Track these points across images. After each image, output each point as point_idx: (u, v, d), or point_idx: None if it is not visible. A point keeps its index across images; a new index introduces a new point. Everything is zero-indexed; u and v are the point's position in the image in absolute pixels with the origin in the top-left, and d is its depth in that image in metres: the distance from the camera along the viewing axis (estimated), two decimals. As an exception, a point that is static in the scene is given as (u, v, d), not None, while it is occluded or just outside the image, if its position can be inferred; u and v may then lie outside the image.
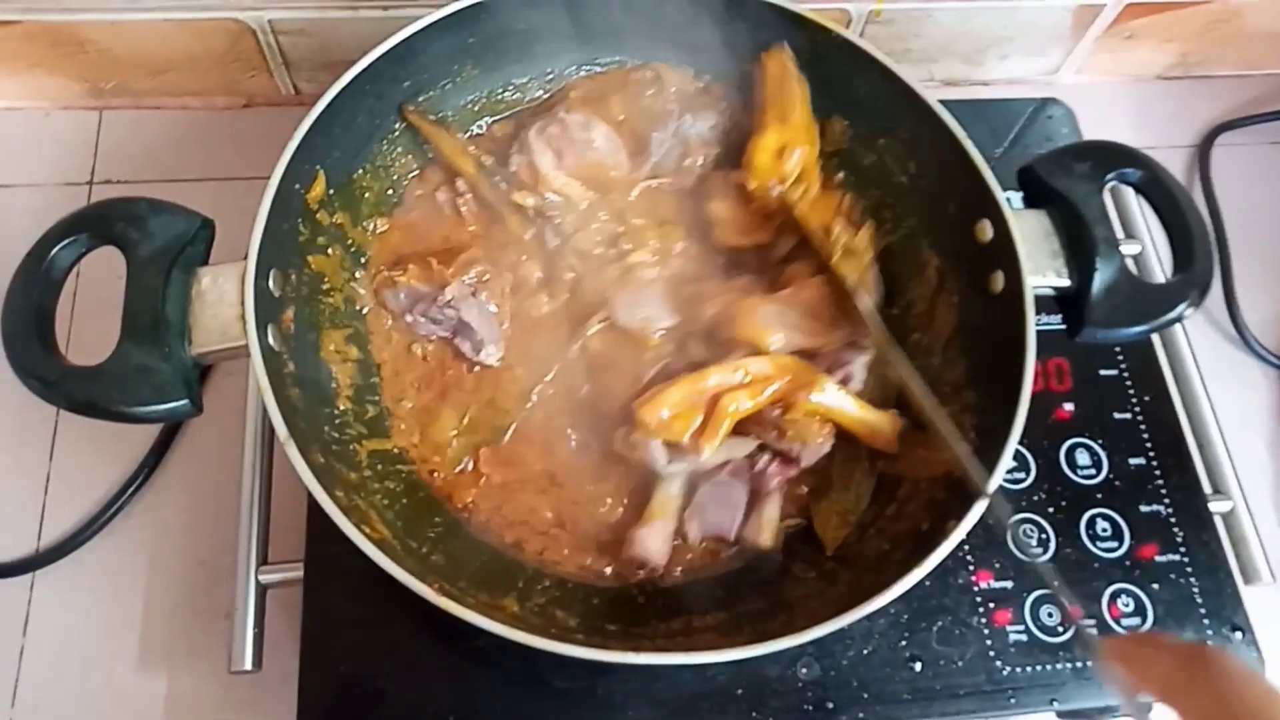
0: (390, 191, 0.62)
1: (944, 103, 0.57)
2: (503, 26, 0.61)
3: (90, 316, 0.65)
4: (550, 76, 0.66)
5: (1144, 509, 0.61)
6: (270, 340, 0.49)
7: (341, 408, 0.55)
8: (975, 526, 0.47)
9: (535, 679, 0.54)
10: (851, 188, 0.64)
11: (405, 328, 0.60)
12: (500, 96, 0.66)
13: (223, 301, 0.49)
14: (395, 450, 0.57)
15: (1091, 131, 0.76)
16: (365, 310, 0.60)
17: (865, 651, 0.56)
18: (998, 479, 0.48)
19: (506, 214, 0.62)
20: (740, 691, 0.54)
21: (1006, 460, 0.48)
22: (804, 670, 0.55)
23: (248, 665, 0.53)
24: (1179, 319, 0.52)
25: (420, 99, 0.62)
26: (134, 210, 0.50)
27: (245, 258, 0.49)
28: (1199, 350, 0.66)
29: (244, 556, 0.55)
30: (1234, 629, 0.58)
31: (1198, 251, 0.53)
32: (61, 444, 0.64)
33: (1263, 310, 0.76)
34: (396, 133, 0.62)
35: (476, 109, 0.65)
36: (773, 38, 0.61)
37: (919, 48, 0.79)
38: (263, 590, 0.55)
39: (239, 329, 0.48)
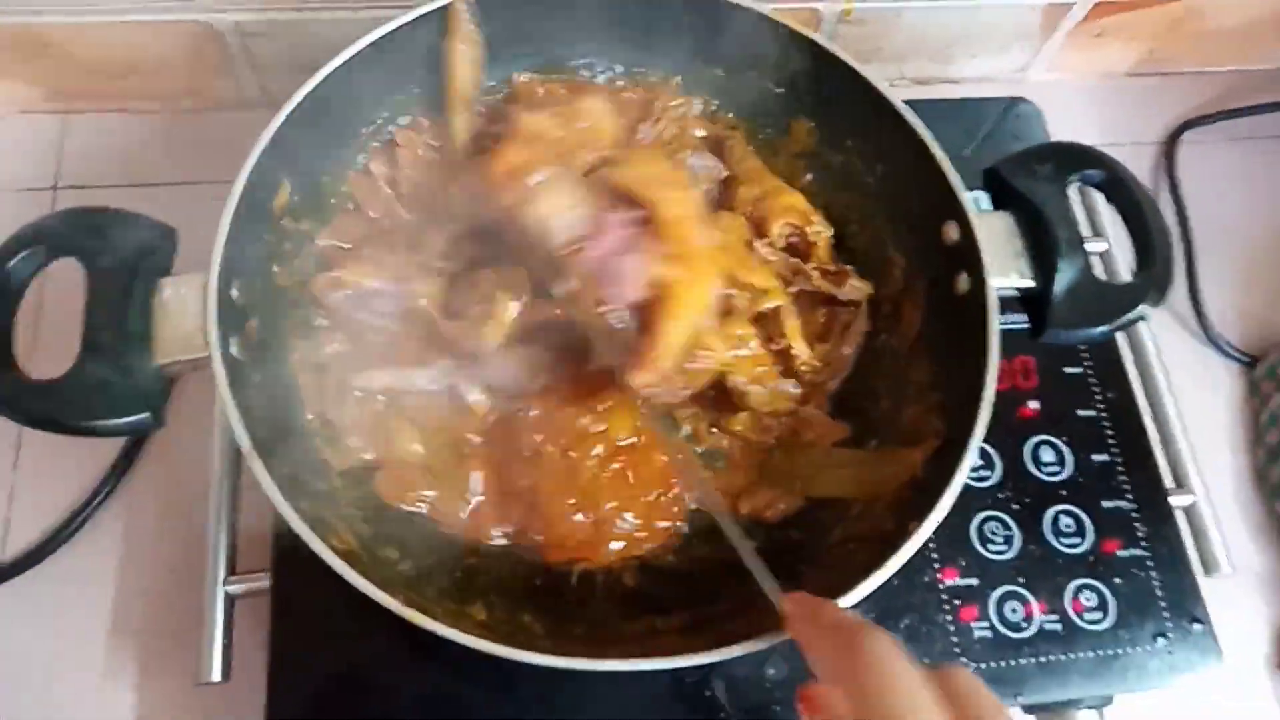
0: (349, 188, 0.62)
1: (914, 102, 0.58)
2: (481, 29, 0.61)
3: (54, 326, 0.64)
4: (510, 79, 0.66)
5: (1107, 505, 0.62)
6: (234, 351, 0.49)
7: (309, 417, 0.55)
8: (941, 525, 0.48)
9: (505, 686, 0.54)
10: (819, 188, 0.64)
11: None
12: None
13: (185, 312, 0.48)
14: (364, 460, 0.57)
15: (1060, 128, 0.76)
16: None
17: (833, 651, 0.56)
18: (962, 477, 0.48)
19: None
20: (709, 693, 0.55)
21: (971, 458, 0.49)
22: (772, 670, 0.55)
23: (216, 676, 0.53)
24: (1139, 319, 0.53)
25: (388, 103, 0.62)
26: (94, 221, 0.49)
27: (208, 267, 0.49)
28: (1164, 346, 0.67)
29: (212, 567, 0.55)
30: (1193, 620, 0.59)
31: (1158, 252, 0.54)
32: (26, 455, 0.63)
33: (1227, 305, 0.77)
34: (363, 136, 0.61)
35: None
36: (739, 39, 0.62)
37: (889, 47, 0.79)
38: (231, 601, 0.54)
39: (202, 340, 0.48)
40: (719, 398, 0.59)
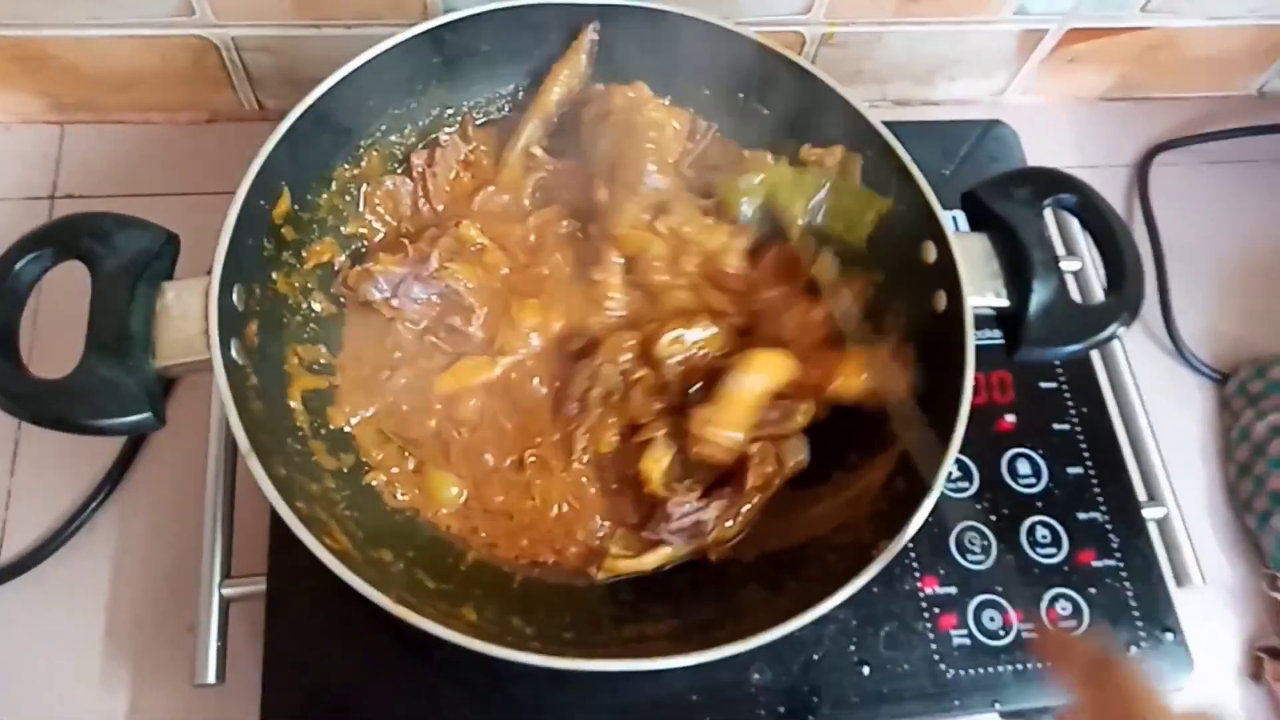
0: (348, 198, 0.63)
1: (895, 123, 0.60)
2: (467, 48, 0.63)
3: (51, 330, 0.65)
4: (509, 96, 0.68)
5: (1081, 516, 0.64)
6: (234, 354, 0.50)
7: (302, 420, 0.56)
8: (921, 534, 0.49)
9: (496, 688, 0.55)
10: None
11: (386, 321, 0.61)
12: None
13: (187, 316, 0.49)
14: (357, 460, 0.58)
15: (1036, 150, 0.79)
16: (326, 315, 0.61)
17: (816, 657, 0.58)
18: (938, 489, 0.50)
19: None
20: (695, 697, 0.56)
21: (947, 469, 0.50)
22: (756, 676, 0.56)
23: (211, 679, 0.53)
24: (1111, 338, 0.55)
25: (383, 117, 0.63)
26: (99, 225, 0.50)
27: (209, 273, 0.50)
28: (1137, 363, 0.69)
29: (207, 570, 0.55)
30: (1165, 630, 0.61)
31: (1129, 274, 0.56)
32: (23, 458, 0.64)
33: (1198, 323, 0.79)
34: (361, 149, 0.63)
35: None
36: (722, 62, 0.64)
37: (870, 69, 0.82)
38: (226, 603, 0.55)
39: (203, 343, 0.49)
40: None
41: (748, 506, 0.57)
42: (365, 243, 0.63)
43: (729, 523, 0.56)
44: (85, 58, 0.70)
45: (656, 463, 0.57)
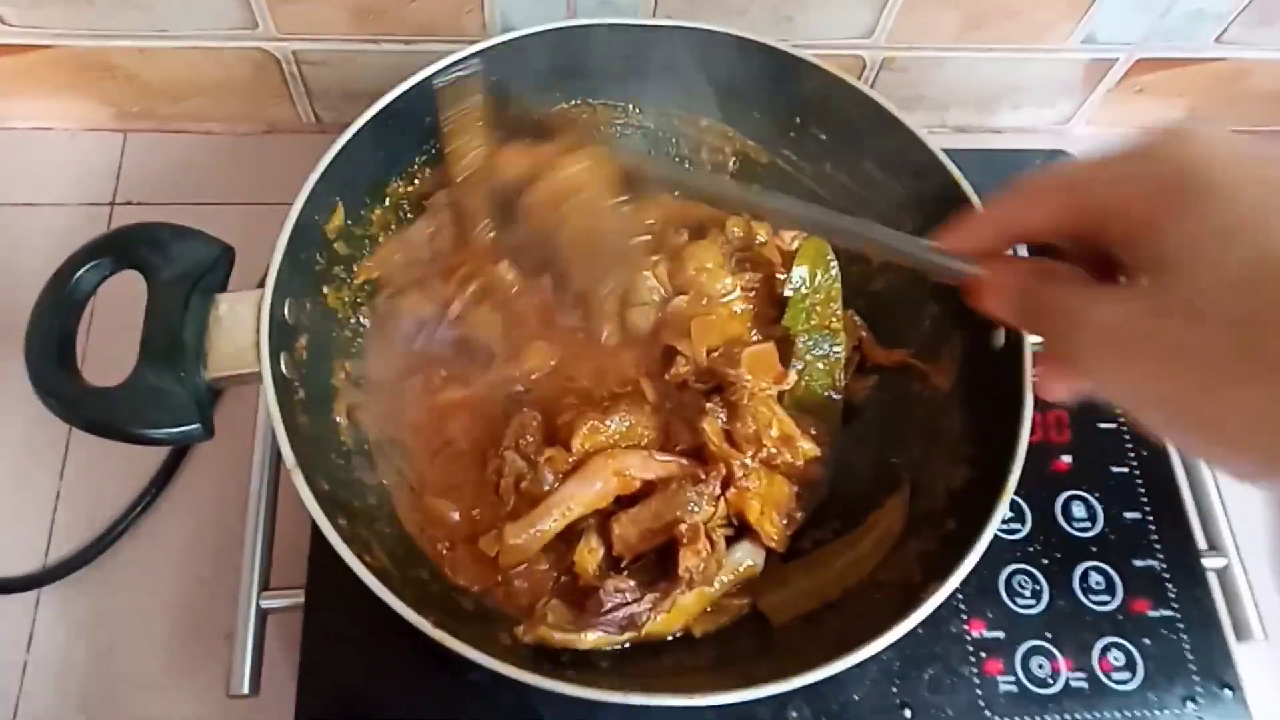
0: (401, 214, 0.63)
1: (955, 151, 0.58)
2: (528, 66, 0.63)
3: (106, 338, 0.66)
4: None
5: (1138, 563, 0.61)
6: (283, 368, 0.50)
7: (348, 436, 0.56)
8: (970, 576, 0.48)
9: (529, 713, 0.54)
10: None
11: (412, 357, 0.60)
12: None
13: (239, 328, 0.49)
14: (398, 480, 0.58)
15: (1099, 183, 0.77)
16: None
17: (856, 697, 0.56)
18: (992, 530, 0.48)
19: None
20: (732, 732, 0.54)
21: (1002, 510, 0.49)
22: (794, 714, 0.55)
23: (245, 689, 0.53)
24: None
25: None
26: (157, 235, 0.51)
27: (262, 285, 0.50)
28: (1198, 405, 0.67)
29: (246, 581, 0.56)
30: (1224, 686, 0.58)
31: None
32: (72, 464, 0.65)
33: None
34: (416, 166, 0.63)
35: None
36: (783, 86, 0.63)
37: (930, 95, 0.81)
38: (263, 615, 0.55)
39: (253, 356, 0.49)
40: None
41: (689, 598, 0.54)
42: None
43: (659, 616, 0.53)
44: (149, 68, 0.72)
45: (592, 554, 0.55)
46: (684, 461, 0.57)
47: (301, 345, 0.54)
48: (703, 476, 0.56)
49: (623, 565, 0.55)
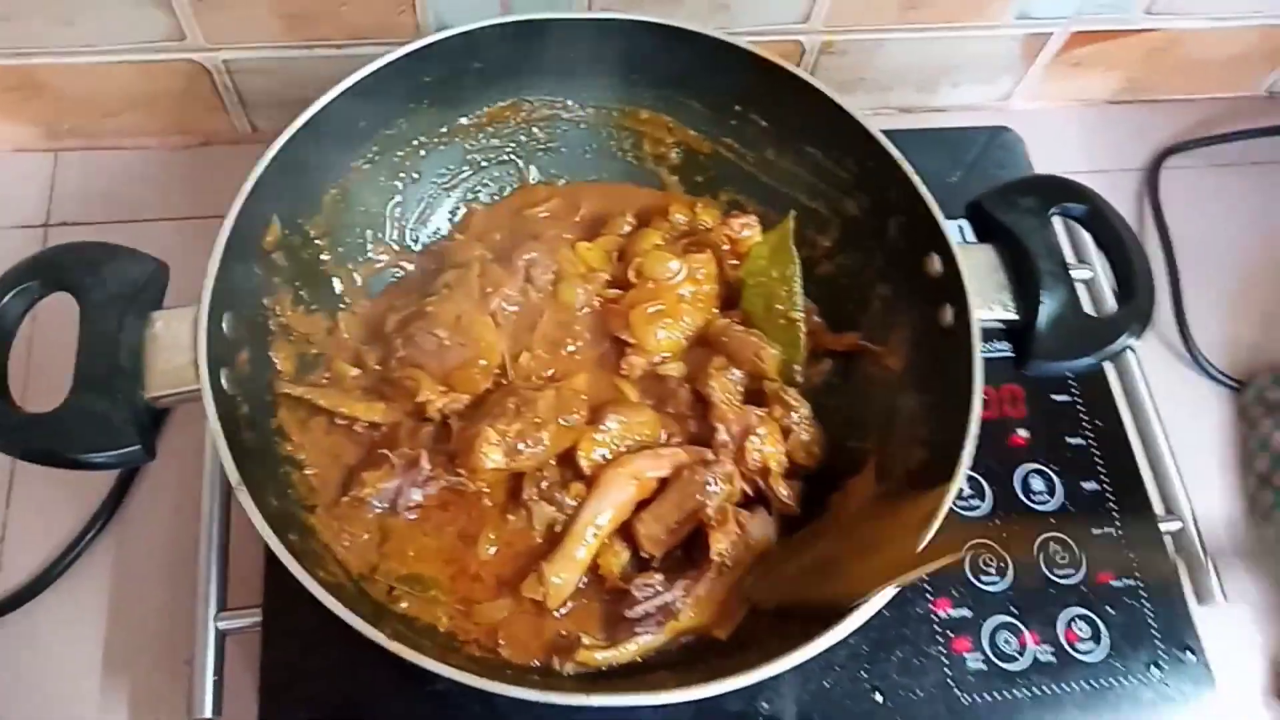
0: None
1: (899, 131, 0.59)
2: (460, 65, 0.62)
3: (47, 363, 0.64)
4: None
5: (1097, 532, 0.62)
6: (224, 383, 0.49)
7: (294, 450, 0.55)
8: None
9: (495, 718, 0.53)
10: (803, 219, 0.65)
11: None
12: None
13: (176, 346, 0.48)
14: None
15: (1043, 156, 0.77)
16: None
17: (826, 684, 0.56)
18: (946, 507, 0.48)
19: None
20: (702, 727, 0.54)
21: (957, 487, 0.49)
22: (765, 705, 0.55)
23: (208, 713, 0.52)
24: (1122, 350, 0.54)
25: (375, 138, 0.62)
26: (87, 256, 0.50)
27: (199, 301, 0.49)
28: (1151, 372, 0.68)
29: (203, 603, 0.54)
30: (1186, 649, 0.59)
31: (1140, 284, 0.54)
32: (19, 490, 0.63)
33: (1213, 330, 0.77)
34: (354, 173, 0.62)
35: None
36: (722, 74, 0.62)
37: (871, 77, 0.81)
38: (222, 637, 0.54)
39: (193, 373, 0.48)
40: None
41: (715, 585, 0.54)
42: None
43: (690, 599, 0.53)
44: (77, 84, 0.70)
45: (616, 557, 0.55)
46: (689, 447, 0.57)
47: (243, 359, 0.53)
48: (712, 457, 0.56)
49: (652, 565, 0.55)
